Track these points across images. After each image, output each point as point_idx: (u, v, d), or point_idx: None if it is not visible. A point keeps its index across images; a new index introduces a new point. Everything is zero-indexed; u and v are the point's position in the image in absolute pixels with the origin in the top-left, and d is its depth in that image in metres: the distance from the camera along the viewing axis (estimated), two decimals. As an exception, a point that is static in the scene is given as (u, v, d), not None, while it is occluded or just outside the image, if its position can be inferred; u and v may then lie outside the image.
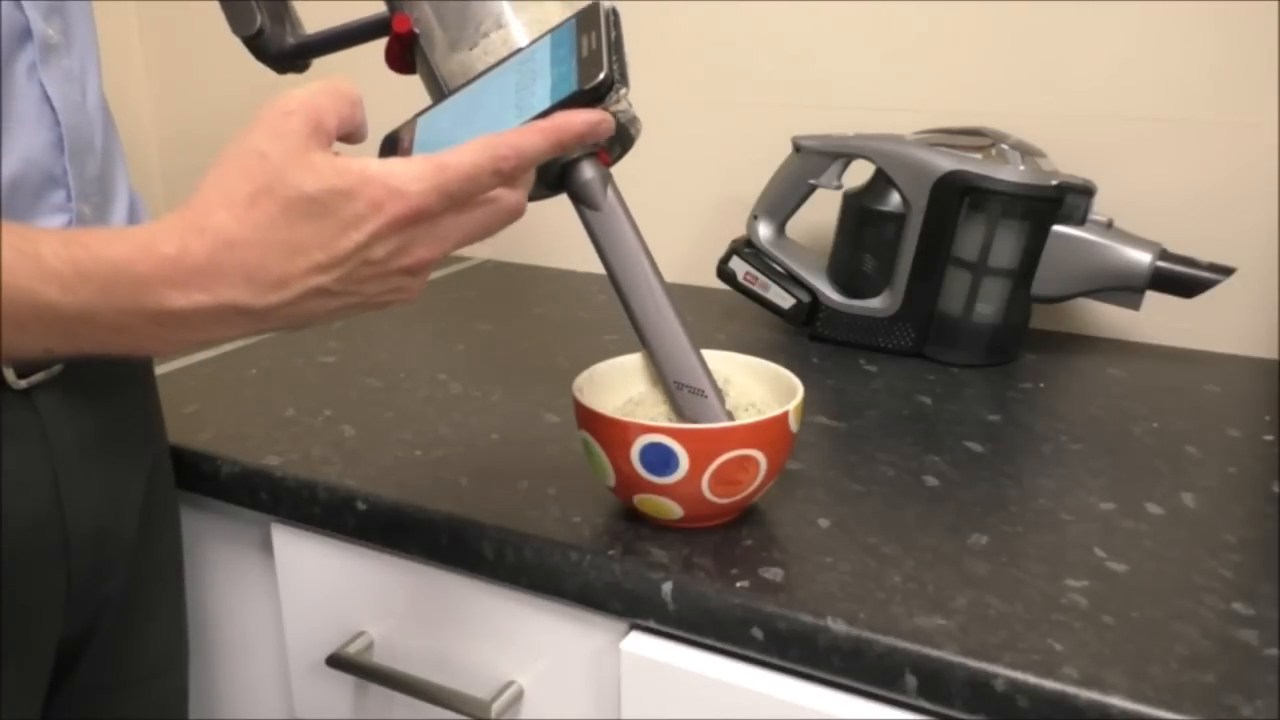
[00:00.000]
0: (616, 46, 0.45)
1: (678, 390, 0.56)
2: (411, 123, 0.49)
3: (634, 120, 0.58)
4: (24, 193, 0.51)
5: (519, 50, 0.48)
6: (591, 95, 0.44)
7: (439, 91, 0.56)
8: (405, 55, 0.56)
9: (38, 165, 0.52)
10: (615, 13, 0.47)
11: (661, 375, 0.56)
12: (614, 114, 0.53)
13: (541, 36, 0.48)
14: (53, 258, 0.38)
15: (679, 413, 0.57)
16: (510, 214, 0.45)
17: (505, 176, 0.42)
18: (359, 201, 0.40)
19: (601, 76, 0.44)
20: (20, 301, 0.38)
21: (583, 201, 0.53)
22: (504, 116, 0.45)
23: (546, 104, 0.44)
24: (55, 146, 0.53)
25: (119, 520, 0.62)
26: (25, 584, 0.56)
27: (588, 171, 0.53)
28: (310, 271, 0.41)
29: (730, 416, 0.56)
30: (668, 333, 0.55)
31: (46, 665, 0.59)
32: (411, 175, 0.41)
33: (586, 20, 0.47)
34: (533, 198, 0.54)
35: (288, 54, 0.60)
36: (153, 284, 0.39)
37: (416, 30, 0.55)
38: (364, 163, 0.41)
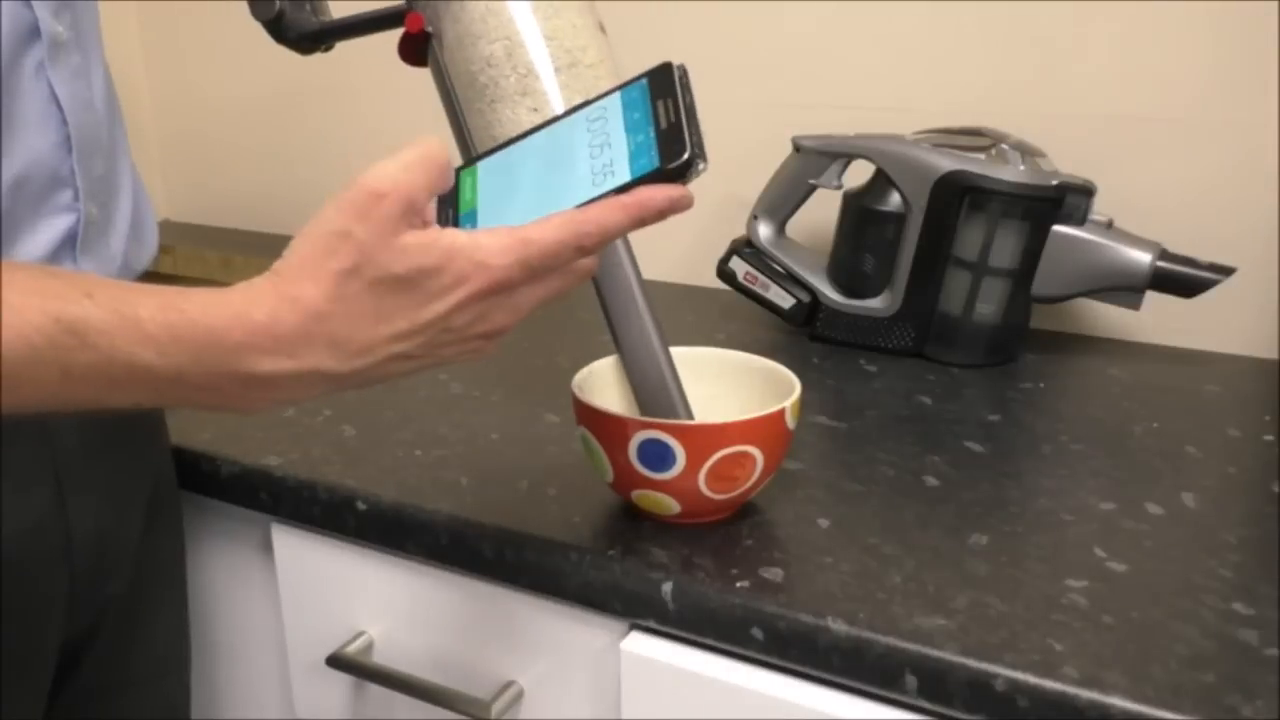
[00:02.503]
0: (691, 114, 0.44)
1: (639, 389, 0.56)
2: (473, 168, 0.48)
3: None
4: (28, 194, 0.51)
5: (588, 103, 0.48)
6: (674, 174, 0.43)
7: (446, 90, 0.56)
8: (417, 50, 0.57)
9: (44, 165, 0.51)
10: (685, 74, 0.46)
11: (640, 406, 0.56)
12: None
13: (611, 92, 0.47)
14: (150, 322, 0.39)
15: (643, 410, 0.56)
16: (583, 278, 0.46)
17: (586, 252, 0.43)
18: (445, 275, 0.41)
19: (686, 156, 0.43)
20: (119, 363, 0.39)
21: None
22: (578, 184, 0.45)
23: (626, 178, 0.44)
24: (62, 146, 0.53)
25: (121, 522, 0.61)
26: (27, 585, 0.55)
27: None
28: (393, 339, 0.42)
29: (688, 408, 0.55)
30: (651, 370, 0.55)
31: (49, 666, 0.59)
32: (496, 249, 0.42)
33: (660, 83, 0.46)
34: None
35: (308, 38, 0.61)
36: (243, 350, 0.40)
37: (429, 29, 0.55)
38: (451, 236, 0.42)
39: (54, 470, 0.55)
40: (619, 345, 0.55)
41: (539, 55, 0.51)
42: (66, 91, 0.52)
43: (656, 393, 0.55)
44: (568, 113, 0.47)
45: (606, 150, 0.45)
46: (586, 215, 0.43)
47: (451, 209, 0.48)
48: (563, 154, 0.46)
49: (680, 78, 0.46)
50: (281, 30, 0.61)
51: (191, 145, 1.41)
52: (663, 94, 0.45)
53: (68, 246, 0.54)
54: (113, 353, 0.39)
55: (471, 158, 0.49)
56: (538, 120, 0.50)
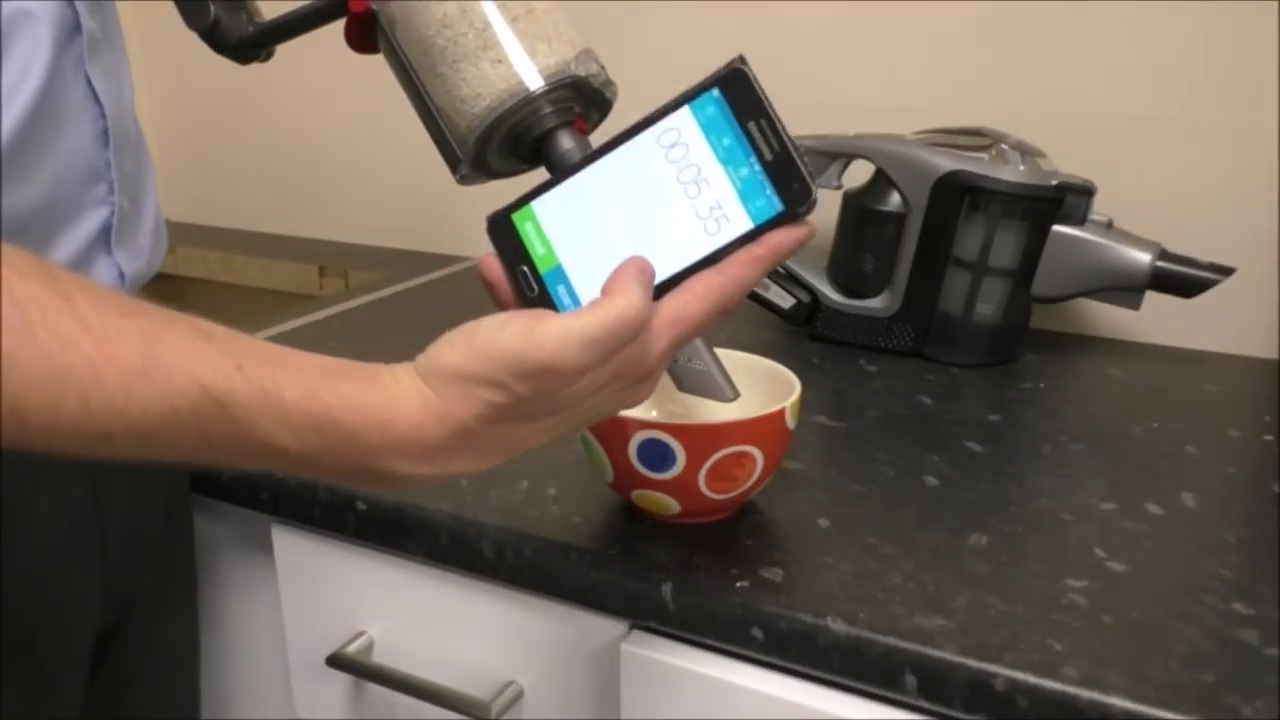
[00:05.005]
0: (790, 137, 0.41)
1: (674, 363, 0.53)
2: (527, 211, 0.45)
3: (608, 84, 0.55)
4: (70, 186, 0.52)
5: (649, 122, 0.43)
6: (800, 217, 0.41)
7: (402, 66, 0.52)
8: (365, 35, 0.54)
9: (83, 158, 0.53)
10: (753, 72, 0.42)
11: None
12: (587, 79, 0.49)
13: (674, 107, 0.43)
14: (294, 407, 0.38)
15: (679, 385, 0.53)
16: None
17: (729, 315, 0.42)
18: (602, 380, 0.41)
19: (813, 198, 0.40)
20: (257, 440, 0.38)
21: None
22: (685, 232, 0.42)
23: (748, 227, 0.41)
24: (99, 140, 0.54)
25: (148, 517, 0.63)
26: (68, 581, 0.57)
27: (566, 141, 0.49)
28: (540, 434, 0.42)
29: (731, 384, 0.52)
30: None
31: (87, 661, 0.60)
32: (652, 339, 0.41)
33: (742, 98, 0.41)
34: (508, 174, 0.52)
35: (247, 44, 0.58)
36: (382, 453, 0.39)
37: (374, 7, 0.52)
38: (617, 359, 0.40)
39: (89, 470, 0.56)
40: None
41: (492, 8, 0.50)
42: (103, 86, 0.54)
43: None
44: (628, 134, 0.44)
45: (705, 188, 0.42)
46: (728, 277, 0.41)
47: (526, 267, 0.45)
48: (646, 190, 0.43)
49: (758, 85, 0.41)
50: (218, 39, 0.59)
51: (191, 145, 1.41)
52: (751, 113, 0.41)
53: (103, 239, 0.55)
54: (252, 429, 0.38)
55: (519, 199, 0.45)
56: (504, 72, 0.47)
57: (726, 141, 0.42)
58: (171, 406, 0.36)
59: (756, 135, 0.41)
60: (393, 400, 0.39)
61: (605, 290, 0.40)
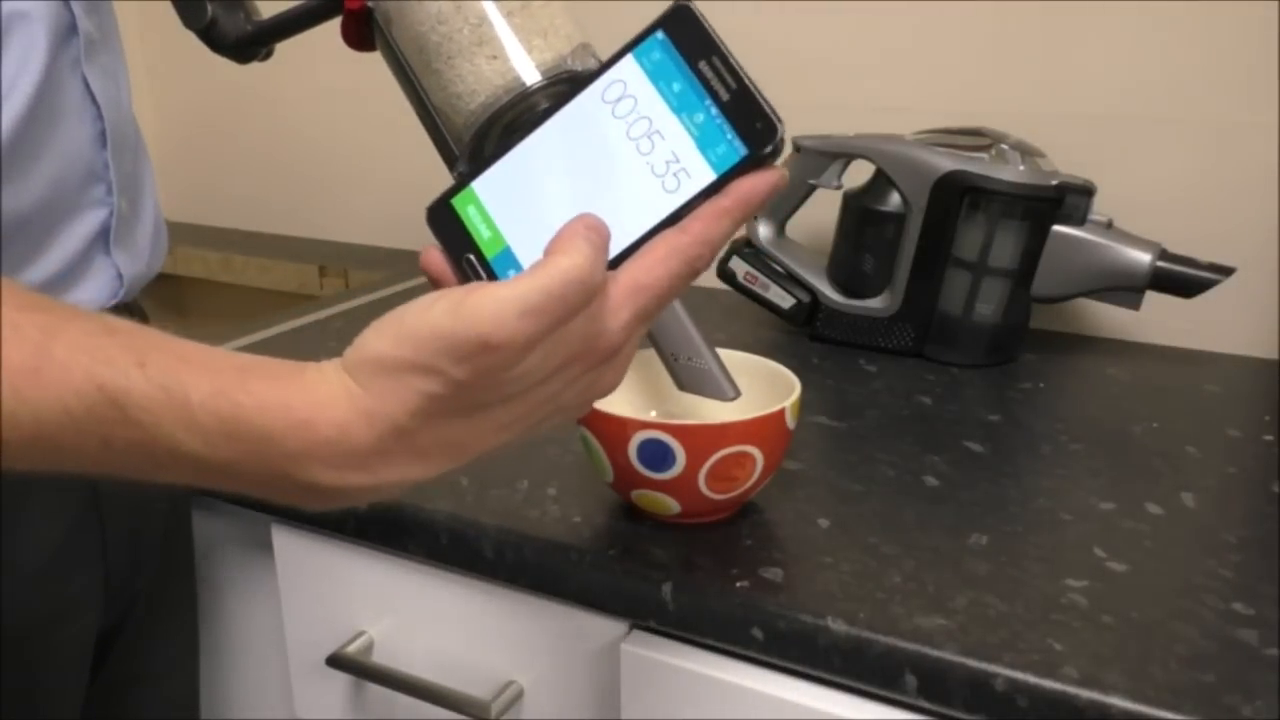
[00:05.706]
0: (745, 72, 0.37)
1: (675, 362, 0.52)
2: (468, 193, 0.40)
3: None
4: (68, 187, 0.52)
5: (592, 77, 0.39)
6: (764, 158, 0.37)
7: (400, 68, 0.51)
8: (362, 32, 0.53)
9: (81, 159, 0.53)
10: (698, 8, 0.38)
11: (656, 347, 0.52)
12: (584, 74, 0.46)
13: (617, 59, 0.39)
14: (200, 409, 0.34)
15: (679, 385, 0.53)
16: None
17: (697, 275, 0.37)
18: (556, 358, 0.36)
19: (780, 136, 0.36)
20: (161, 444, 0.34)
21: None
22: (641, 192, 0.38)
23: (711, 178, 0.37)
24: (97, 141, 0.54)
25: (149, 519, 0.63)
26: (69, 584, 0.57)
27: None
28: (496, 432, 0.37)
29: (733, 383, 0.51)
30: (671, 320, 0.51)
31: (88, 663, 0.60)
32: (611, 309, 0.36)
33: (689, 37, 0.37)
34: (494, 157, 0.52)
35: (245, 43, 0.58)
36: (304, 460, 0.35)
37: (370, 4, 0.51)
38: (562, 332, 0.35)
39: None
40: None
41: (488, 4, 0.49)
42: (100, 87, 0.54)
43: (677, 334, 0.50)
44: (570, 96, 0.40)
45: (659, 141, 0.38)
46: (692, 236, 0.36)
47: (472, 254, 0.40)
48: (595, 153, 0.39)
49: (706, 21, 0.37)
50: (216, 38, 0.58)
51: (191, 145, 1.41)
52: (701, 52, 0.37)
53: (101, 240, 0.55)
54: (156, 433, 0.33)
55: (459, 181, 0.41)
56: (500, 68, 0.46)
57: (677, 87, 0.38)
58: (64, 408, 0.32)
59: (710, 75, 0.37)
60: (316, 399, 0.35)
61: (548, 251, 0.35)
